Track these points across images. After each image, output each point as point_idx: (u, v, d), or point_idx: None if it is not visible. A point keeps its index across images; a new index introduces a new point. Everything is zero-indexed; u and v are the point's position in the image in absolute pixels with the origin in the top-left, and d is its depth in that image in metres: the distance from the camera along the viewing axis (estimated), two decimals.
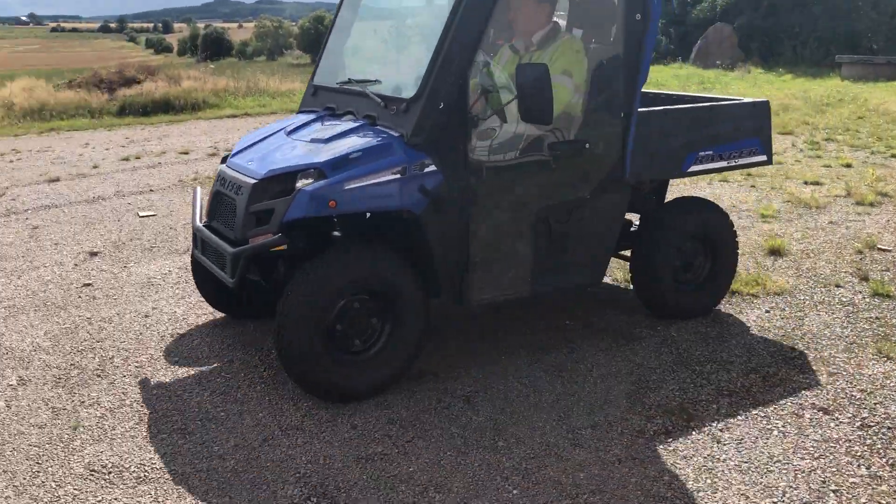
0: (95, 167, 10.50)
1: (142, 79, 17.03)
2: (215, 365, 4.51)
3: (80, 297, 5.64)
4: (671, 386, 4.18)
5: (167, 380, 4.35)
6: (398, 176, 3.89)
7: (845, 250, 6.34)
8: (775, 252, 6.32)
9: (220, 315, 5.19)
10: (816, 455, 3.52)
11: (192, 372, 4.43)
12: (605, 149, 4.40)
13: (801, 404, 3.96)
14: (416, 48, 4.62)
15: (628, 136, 4.42)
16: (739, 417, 3.85)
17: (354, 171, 3.85)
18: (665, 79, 21.14)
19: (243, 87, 18.48)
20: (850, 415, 3.85)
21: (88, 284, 5.89)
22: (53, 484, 3.39)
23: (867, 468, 3.41)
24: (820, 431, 3.71)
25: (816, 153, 10.48)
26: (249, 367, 4.47)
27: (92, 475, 3.45)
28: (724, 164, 4.95)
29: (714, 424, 3.79)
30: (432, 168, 3.94)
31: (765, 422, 3.81)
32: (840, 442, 3.62)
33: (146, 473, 3.46)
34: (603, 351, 4.62)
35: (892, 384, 4.15)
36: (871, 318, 5.00)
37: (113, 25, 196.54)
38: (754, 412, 3.90)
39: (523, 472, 3.44)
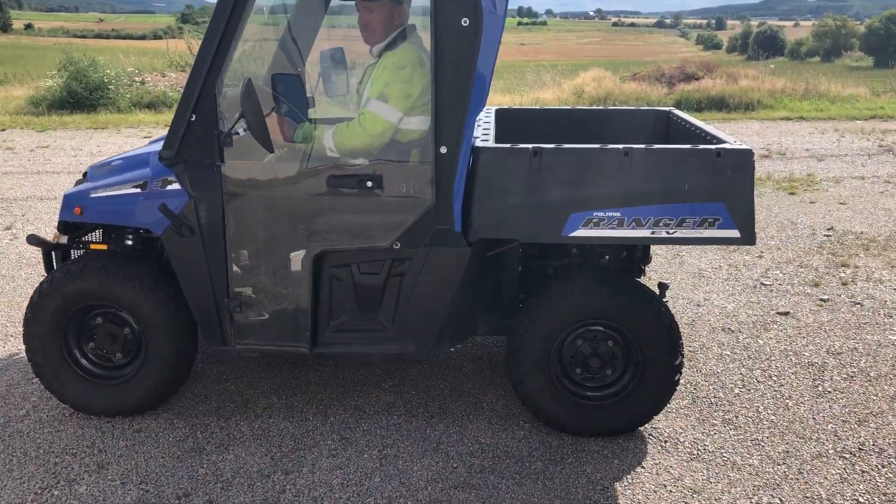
0: None
1: (701, 75, 17.50)
2: None
3: None
4: None
5: (718, 370, 4.52)
6: (138, 190, 3.64)
7: None
8: None
9: None
10: None
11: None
12: (411, 191, 3.45)
13: None
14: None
15: (452, 179, 3.39)
16: None
17: (106, 179, 3.78)
18: None
19: (801, 88, 17.69)
20: None
21: None
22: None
23: None
24: None
25: None
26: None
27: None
28: (646, 233, 3.42)
29: None
30: (175, 187, 3.55)
31: None
32: None
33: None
34: None
35: None
36: None
37: (668, 21, 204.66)
38: None
39: None
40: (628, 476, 3.49)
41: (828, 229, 7.39)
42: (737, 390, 4.29)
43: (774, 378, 4.42)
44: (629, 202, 3.43)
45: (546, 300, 3.64)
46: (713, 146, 3.51)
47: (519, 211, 3.47)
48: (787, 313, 5.34)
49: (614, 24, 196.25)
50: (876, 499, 3.33)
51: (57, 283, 3.69)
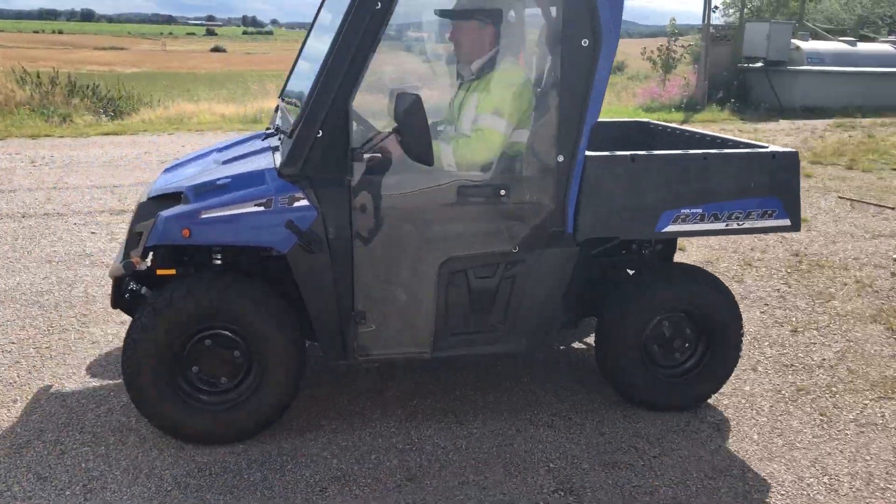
0: None
1: None
2: None
3: None
4: None
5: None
6: (261, 209, 3.48)
7: None
8: None
9: None
10: None
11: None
12: (535, 198, 3.72)
13: None
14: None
15: (569, 185, 3.71)
16: None
17: (216, 198, 3.52)
18: None
19: None
20: None
21: None
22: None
23: None
24: None
25: None
26: (510, 365, 4.78)
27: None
28: (720, 226, 3.94)
29: None
30: (304, 203, 3.50)
31: None
32: None
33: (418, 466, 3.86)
34: (872, 401, 4.37)
35: None
36: None
37: None
38: None
39: None
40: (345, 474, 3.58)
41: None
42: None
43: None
44: (708, 200, 3.86)
45: (638, 291, 4.04)
46: (768, 149, 4.03)
47: (619, 211, 3.78)
48: None
49: None
50: (527, 451, 3.71)
51: (167, 309, 3.47)
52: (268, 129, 4.56)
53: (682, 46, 21.20)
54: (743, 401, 4.35)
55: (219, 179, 3.65)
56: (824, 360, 4.92)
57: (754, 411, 4.24)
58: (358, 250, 3.58)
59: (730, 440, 3.94)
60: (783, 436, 4.00)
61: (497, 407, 4.22)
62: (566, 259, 3.82)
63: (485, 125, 3.67)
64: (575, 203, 3.73)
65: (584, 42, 3.57)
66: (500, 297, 3.85)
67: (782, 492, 3.51)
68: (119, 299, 3.90)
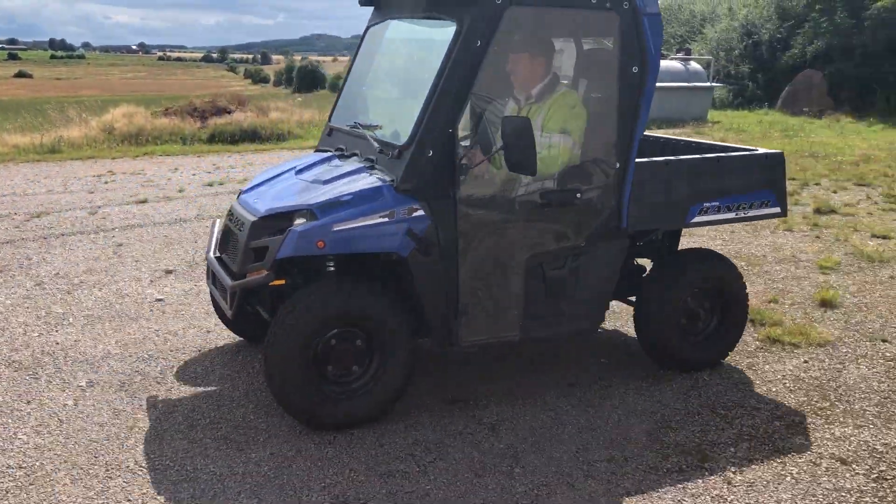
0: (181, 191, 11.18)
1: (233, 109, 17.98)
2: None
3: (151, 310, 6.10)
4: (693, 427, 4.28)
5: (217, 390, 4.70)
6: (385, 220, 4.00)
7: None
8: (826, 304, 6.29)
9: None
10: (825, 503, 3.57)
11: (242, 386, 4.78)
12: (600, 199, 4.44)
13: (819, 453, 4.01)
14: (412, 96, 4.64)
15: (624, 187, 4.44)
16: (755, 462, 3.93)
17: (344, 213, 3.99)
18: (748, 125, 20.89)
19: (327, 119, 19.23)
20: (867, 467, 3.88)
21: (160, 300, 6.36)
22: (105, 475, 3.76)
23: None
24: (833, 481, 3.76)
25: (891, 206, 10.27)
26: None
27: (140, 470, 3.80)
28: (732, 215, 4.86)
29: (728, 467, 3.88)
30: (420, 213, 4.04)
31: (780, 468, 3.87)
32: (851, 492, 3.66)
33: (188, 473, 3.79)
34: (632, 390, 4.75)
35: None
36: None
37: (215, 55, 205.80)
38: (771, 457, 3.96)
39: (534, 497, 3.61)
40: None
41: None
42: (233, 405, 4.50)
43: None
44: (722, 194, 4.75)
45: (676, 273, 4.88)
46: (760, 151, 5.01)
47: (659, 207, 4.60)
48: None
49: (160, 59, 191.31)
50: (341, 478, 3.77)
51: (306, 312, 3.93)
52: (318, 149, 5.13)
53: None
54: (517, 398, 4.59)
55: (342, 196, 4.08)
56: (594, 355, 5.28)
57: (528, 408, 4.49)
58: (462, 252, 4.16)
59: (503, 439, 4.15)
60: (551, 430, 4.26)
61: (278, 431, 4.22)
62: (620, 250, 4.61)
63: (555, 142, 4.29)
64: (627, 202, 4.47)
65: (635, 69, 4.32)
66: (568, 285, 4.50)
67: (544, 481, 3.75)
68: (239, 312, 4.30)
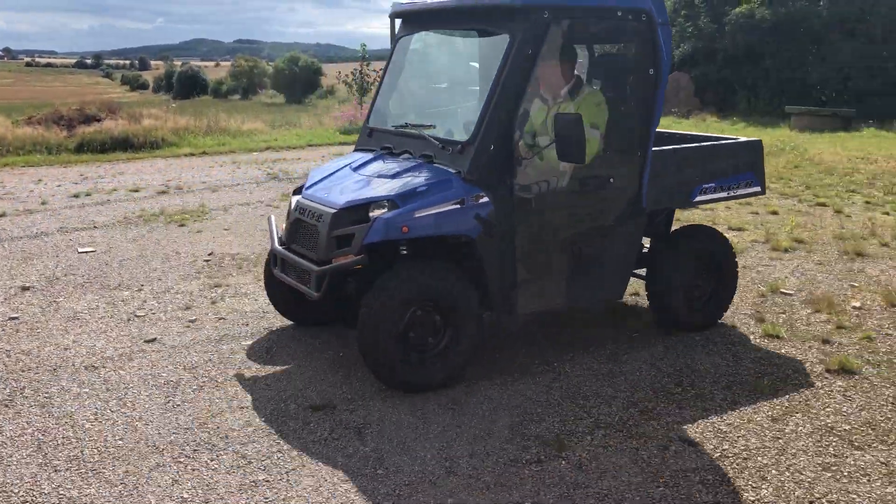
0: (44, 203, 10.64)
1: (102, 116, 17.23)
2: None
3: (3, 329, 5.78)
4: (553, 419, 4.42)
5: (73, 410, 4.51)
6: (458, 206, 4.62)
7: (749, 293, 6.65)
8: None
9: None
10: (672, 484, 3.76)
11: (88, 411, 4.60)
12: (625, 183, 5.18)
13: (669, 437, 4.22)
14: (467, 99, 5.58)
15: (644, 172, 5.18)
16: (610, 449, 4.09)
17: (422, 201, 4.60)
18: None
19: (204, 125, 18.73)
20: (712, 446, 4.11)
21: (15, 318, 6.03)
22: None
23: (714, 496, 3.66)
24: (681, 462, 3.96)
25: (746, 201, 10.89)
26: (137, 403, 4.65)
27: None
28: (724, 194, 5.76)
29: (584, 455, 4.03)
30: (485, 199, 4.68)
31: (632, 453, 4.05)
32: (697, 472, 3.87)
33: (34, 499, 3.62)
34: (497, 385, 4.85)
35: (758, 419, 4.42)
36: (756, 357, 5.29)
37: (89, 61, 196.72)
38: (624, 444, 4.14)
39: (396, 498, 3.64)
40: None
41: (208, 254, 7.94)
42: (88, 425, 4.33)
43: (129, 405, 4.59)
44: (718, 176, 5.61)
45: (680, 249, 5.70)
46: (741, 140, 5.96)
47: (670, 188, 5.39)
48: (153, 340, 5.59)
49: (28, 65, 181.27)
50: (201, 492, 3.69)
51: (396, 291, 4.48)
52: (359, 148, 5.74)
53: (375, 71, 22.03)
54: (384, 402, 4.62)
55: (417, 187, 4.67)
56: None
57: (395, 410, 4.52)
58: (517, 232, 4.79)
59: (369, 443, 4.16)
60: (416, 429, 4.31)
61: (145, 450, 4.09)
62: (639, 227, 5.36)
63: (587, 136, 4.66)
64: (646, 185, 5.17)
65: (651, 71, 5.07)
66: (601, 259, 5.22)
67: (407, 481, 3.78)
68: (329, 292, 4.68)
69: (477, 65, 5.56)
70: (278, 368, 5.12)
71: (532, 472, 3.86)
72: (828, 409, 4.53)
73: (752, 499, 3.64)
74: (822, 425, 4.34)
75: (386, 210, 4.62)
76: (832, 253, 7.96)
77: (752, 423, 4.37)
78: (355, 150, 5.75)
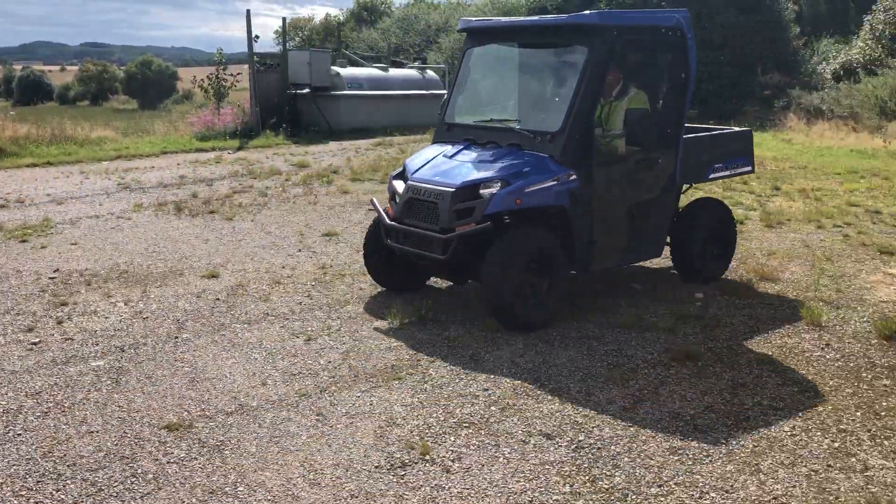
0: None
1: None
2: None
3: None
4: (417, 421, 4.45)
5: None
6: (555, 183, 5.89)
7: (605, 289, 6.95)
8: None
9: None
10: (531, 478, 3.88)
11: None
12: (666, 164, 6.58)
13: (529, 431, 4.34)
14: (541, 98, 7.09)
15: (678, 154, 6.60)
16: (472, 447, 4.17)
17: (528, 179, 5.86)
18: None
19: (48, 134, 17.62)
20: (568, 439, 4.27)
21: None
22: None
23: (570, 486, 3.80)
24: (540, 455, 4.09)
25: None
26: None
27: None
28: (728, 173, 7.42)
29: (448, 455, 4.08)
30: (573, 177, 5.97)
31: (494, 450, 4.14)
32: (554, 464, 4.01)
33: None
34: (364, 392, 4.84)
35: (612, 409, 4.63)
36: (609, 350, 5.54)
37: None
38: (486, 441, 4.23)
39: None
40: None
41: (54, 271, 7.48)
42: None
43: None
44: (725, 158, 7.17)
45: (698, 216, 7.10)
46: (735, 129, 7.88)
47: (693, 167, 6.84)
48: None
49: None
50: None
51: (515, 250, 5.74)
52: (437, 141, 6.92)
53: (232, 75, 21.45)
54: (244, 417, 4.51)
55: (521, 168, 5.92)
56: (329, 362, 5.33)
57: (256, 425, 4.42)
58: (594, 203, 6.10)
59: (228, 459, 4.05)
60: (280, 443, 4.23)
61: None
62: (674, 198, 6.86)
63: (636, 126, 6.26)
64: (679, 165, 6.61)
65: (683, 75, 6.54)
66: (648, 224, 6.62)
67: (269, 497, 3.71)
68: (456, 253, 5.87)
69: (548, 73, 7.11)
70: (131, 389, 4.90)
71: (396, 477, 3.87)
72: (674, 396, 4.80)
73: (606, 487, 3.81)
74: (669, 412, 4.59)
75: (498, 187, 5.82)
76: None
77: (606, 413, 4.57)
78: (434, 143, 6.91)
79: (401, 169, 6.68)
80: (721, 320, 6.13)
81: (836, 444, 4.21)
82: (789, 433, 4.33)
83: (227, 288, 6.97)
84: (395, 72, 23.32)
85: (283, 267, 7.69)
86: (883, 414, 4.55)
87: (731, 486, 3.82)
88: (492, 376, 5.09)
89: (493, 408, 4.64)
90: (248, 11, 20.51)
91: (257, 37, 20.45)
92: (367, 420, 4.48)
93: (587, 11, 6.51)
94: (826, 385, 4.95)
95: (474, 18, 7.24)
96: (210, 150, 17.15)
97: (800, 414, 4.56)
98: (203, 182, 12.89)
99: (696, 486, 3.81)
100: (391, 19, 40.35)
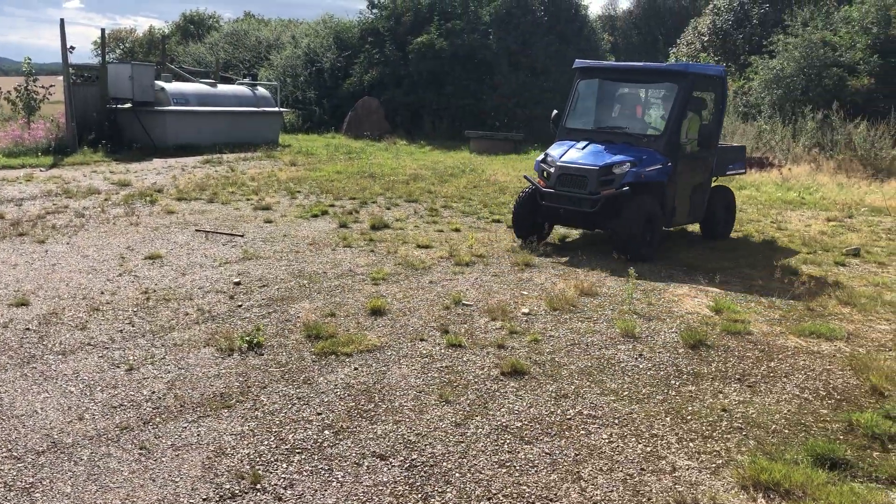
0: None
1: None
2: None
3: None
4: (247, 450, 4.35)
5: None
6: (660, 167, 9.49)
7: (436, 307, 7.10)
8: (377, 312, 6.87)
9: None
10: (364, 500, 3.89)
11: None
12: (710, 161, 10.48)
13: (362, 453, 4.35)
14: (650, 113, 10.83)
15: (716, 157, 10.61)
16: (305, 473, 4.12)
17: (646, 162, 9.41)
18: (316, 148, 21.99)
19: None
20: (402, 458, 4.32)
21: None
22: None
23: None
24: (373, 477, 4.11)
25: (434, 219, 11.63)
26: None
27: None
28: (734, 171, 11.58)
29: (279, 483, 4.01)
30: (670, 164, 9.55)
31: (327, 474, 4.12)
32: (388, 484, 4.04)
33: None
34: (191, 423, 4.66)
35: (443, 425, 4.73)
36: (441, 367, 5.66)
37: None
38: (320, 466, 4.20)
39: None
40: None
41: None
42: None
43: None
44: (733, 162, 11.58)
45: (718, 195, 11.08)
46: (738, 145, 12.89)
47: (721, 164, 11.03)
48: None
49: None
50: None
51: (641, 209, 9.17)
52: (560, 140, 10.42)
53: (44, 87, 20.03)
54: (58, 456, 4.21)
55: (640, 156, 9.44)
56: (153, 392, 5.09)
57: (72, 464, 4.14)
58: (676, 182, 9.79)
59: (39, 502, 3.77)
60: (98, 480, 3.99)
61: None
62: (710, 183, 10.66)
63: (694, 136, 10.07)
64: (716, 162, 10.74)
65: (721, 106, 10.88)
66: (697, 198, 10.34)
67: None
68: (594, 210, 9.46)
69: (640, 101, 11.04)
70: None
71: None
72: (503, 409, 4.98)
73: (437, 503, 3.88)
74: (498, 425, 4.76)
75: (628, 166, 9.23)
76: (505, 265, 8.78)
77: (438, 430, 4.67)
78: (558, 141, 10.28)
79: (543, 156, 10.04)
80: (546, 334, 6.43)
81: (649, 449, 4.53)
82: (607, 440, 4.61)
83: (38, 316, 6.49)
84: (224, 88, 22.69)
85: (102, 292, 7.26)
86: (689, 418, 4.95)
87: (556, 494, 4.01)
88: (325, 399, 5.06)
89: (326, 432, 4.61)
90: (62, 20, 19.23)
91: (72, 47, 19.26)
92: (194, 452, 4.32)
93: (673, 61, 10.55)
94: (639, 393, 5.31)
95: (585, 60, 11.10)
96: (19, 167, 15.93)
97: (616, 421, 4.86)
98: (11, 202, 11.94)
99: (523, 497, 3.97)
100: (219, 34, 39.18)
